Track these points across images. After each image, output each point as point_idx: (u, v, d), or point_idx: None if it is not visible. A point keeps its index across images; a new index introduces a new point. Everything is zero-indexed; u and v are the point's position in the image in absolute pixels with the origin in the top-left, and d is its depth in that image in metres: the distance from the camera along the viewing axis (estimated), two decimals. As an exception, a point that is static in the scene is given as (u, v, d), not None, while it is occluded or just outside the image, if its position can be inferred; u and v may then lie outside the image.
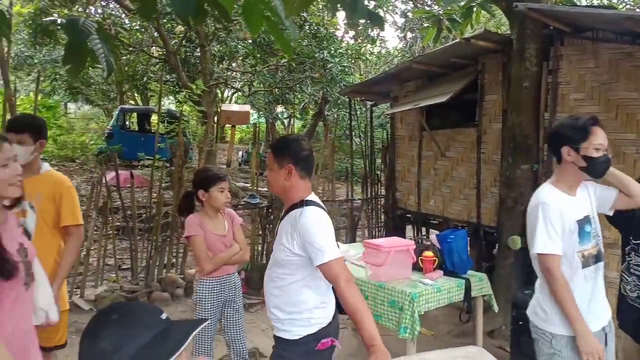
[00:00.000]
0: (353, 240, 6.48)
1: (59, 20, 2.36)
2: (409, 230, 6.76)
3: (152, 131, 15.28)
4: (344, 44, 11.92)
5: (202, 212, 3.11)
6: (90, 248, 5.21)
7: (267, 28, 1.89)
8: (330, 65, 10.13)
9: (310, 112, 13.59)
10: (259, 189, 6.53)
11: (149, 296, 5.11)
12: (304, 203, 2.13)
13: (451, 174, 5.65)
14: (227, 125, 13.43)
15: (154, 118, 16.59)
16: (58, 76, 15.03)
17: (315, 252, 2.02)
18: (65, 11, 9.98)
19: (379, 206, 7.29)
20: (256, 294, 5.44)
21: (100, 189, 5.31)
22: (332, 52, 10.60)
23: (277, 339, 2.19)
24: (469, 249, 3.78)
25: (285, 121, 15.90)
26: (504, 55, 4.86)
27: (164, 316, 1.16)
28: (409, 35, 17.70)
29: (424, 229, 6.21)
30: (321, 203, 2.24)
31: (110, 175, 6.41)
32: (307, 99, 11.60)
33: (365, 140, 7.81)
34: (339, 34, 14.02)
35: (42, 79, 8.62)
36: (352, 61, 11.71)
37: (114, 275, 5.54)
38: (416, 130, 6.12)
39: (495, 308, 3.79)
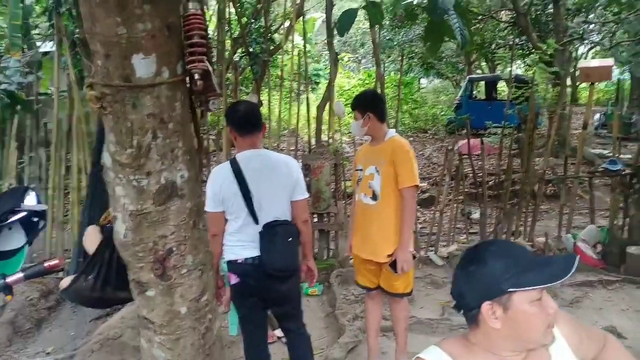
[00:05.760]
0: None
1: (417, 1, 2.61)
2: None
3: (499, 99, 15.17)
4: None
5: None
6: (443, 211, 5.66)
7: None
8: None
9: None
10: (620, 155, 5.76)
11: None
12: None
13: None
14: (583, 84, 12.15)
15: (501, 85, 16.40)
16: (413, 54, 16.50)
17: None
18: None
19: None
20: (615, 270, 4.93)
21: (453, 157, 5.68)
22: None
23: None
24: None
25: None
26: None
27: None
28: None
29: None
30: (244, 158, 2.63)
31: (460, 143, 6.77)
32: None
33: None
34: None
35: (399, 58, 9.63)
36: None
37: (464, 237, 5.91)
38: None
39: None
